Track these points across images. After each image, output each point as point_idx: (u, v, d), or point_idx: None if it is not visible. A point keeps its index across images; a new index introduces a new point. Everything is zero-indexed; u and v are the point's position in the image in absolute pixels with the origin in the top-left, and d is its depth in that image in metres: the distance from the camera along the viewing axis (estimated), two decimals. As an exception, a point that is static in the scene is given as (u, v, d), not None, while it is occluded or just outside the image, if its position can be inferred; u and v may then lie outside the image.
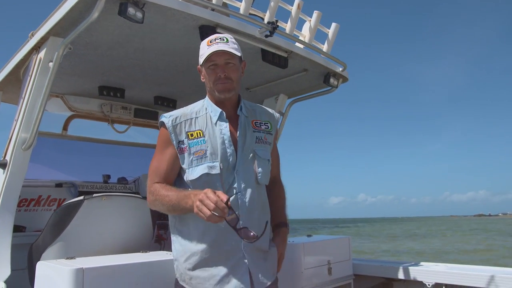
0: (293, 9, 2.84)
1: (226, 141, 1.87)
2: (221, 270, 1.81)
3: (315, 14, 3.02)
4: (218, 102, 1.94)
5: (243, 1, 2.58)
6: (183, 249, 1.88)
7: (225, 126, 1.90)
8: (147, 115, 4.32)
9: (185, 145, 1.86)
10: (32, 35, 2.51)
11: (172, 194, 1.79)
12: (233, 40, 1.92)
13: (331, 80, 3.38)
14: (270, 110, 2.14)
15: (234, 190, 1.85)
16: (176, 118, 1.90)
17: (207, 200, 1.56)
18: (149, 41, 2.70)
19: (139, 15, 2.12)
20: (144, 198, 2.85)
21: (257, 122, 2.01)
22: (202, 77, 1.96)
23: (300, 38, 3.04)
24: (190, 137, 1.86)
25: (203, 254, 1.82)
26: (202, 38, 2.47)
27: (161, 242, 3.84)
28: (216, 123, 1.90)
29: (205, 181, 1.82)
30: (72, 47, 2.38)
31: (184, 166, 1.87)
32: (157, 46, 2.79)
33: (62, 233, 2.50)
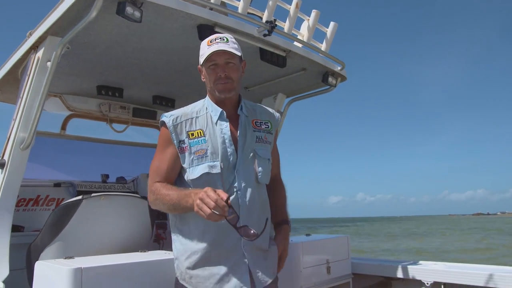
0: (292, 8, 2.84)
1: (226, 141, 1.88)
2: (221, 269, 1.82)
3: (314, 13, 3.02)
4: (218, 102, 1.94)
5: (241, 0, 2.57)
6: (183, 248, 1.89)
7: (225, 126, 1.90)
8: (146, 114, 4.32)
9: (186, 145, 1.87)
10: (30, 34, 2.50)
11: (172, 193, 1.79)
12: (233, 40, 1.93)
13: (330, 79, 3.38)
14: (270, 109, 2.14)
15: (235, 189, 1.86)
16: (177, 117, 1.90)
17: (207, 198, 1.57)
18: (147, 40, 2.70)
19: (137, 14, 2.12)
20: (143, 197, 2.86)
21: (258, 122, 2.02)
22: (202, 77, 1.96)
23: (299, 37, 3.04)
24: (190, 137, 1.87)
25: (204, 253, 1.83)
26: (200, 37, 2.47)
27: (160, 241, 3.84)
28: (216, 123, 1.91)
29: (205, 180, 1.83)
30: (70, 46, 2.38)
31: (184, 165, 1.88)
32: (156, 45, 2.79)
33: (61, 233, 2.50)
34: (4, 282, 2.30)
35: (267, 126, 2.03)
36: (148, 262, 2.08)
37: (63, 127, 4.12)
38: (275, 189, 2.13)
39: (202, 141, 1.86)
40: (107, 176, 4.25)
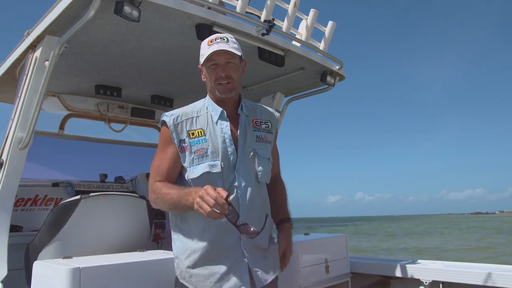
0: (290, 7, 2.85)
1: (227, 140, 1.89)
2: (221, 268, 1.83)
3: (312, 12, 3.02)
4: (219, 101, 1.95)
5: (240, 0, 2.57)
6: (183, 247, 1.89)
7: (226, 125, 1.91)
8: (144, 114, 4.32)
9: (186, 144, 1.88)
10: (28, 34, 2.50)
11: (173, 192, 1.80)
12: (234, 39, 1.93)
13: (328, 78, 3.38)
14: (270, 109, 2.15)
15: (235, 189, 1.87)
16: (178, 117, 1.91)
17: (207, 196, 1.58)
18: (146, 40, 2.70)
19: (135, 13, 2.12)
20: (141, 197, 2.86)
21: (258, 121, 2.03)
22: (203, 76, 1.97)
23: (297, 36, 3.04)
24: (191, 136, 1.88)
25: (203, 252, 1.84)
26: (199, 37, 2.47)
27: (159, 241, 3.84)
28: (217, 122, 1.92)
29: (206, 179, 1.84)
30: (68, 46, 2.38)
31: (185, 164, 1.89)
32: (154, 44, 2.79)
33: (59, 233, 2.49)
34: (2, 282, 2.30)
35: (267, 126, 2.04)
36: (147, 262, 2.07)
37: (61, 127, 4.11)
38: (275, 188, 2.14)
39: (203, 140, 1.87)
40: (105, 175, 4.24)
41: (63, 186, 3.97)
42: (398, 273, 3.42)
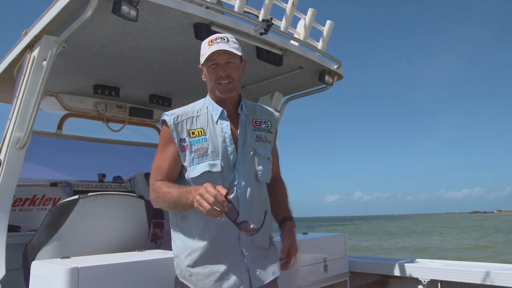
0: (288, 6, 2.84)
1: (227, 140, 1.90)
2: (221, 267, 1.84)
3: (310, 11, 3.02)
4: (219, 101, 1.96)
5: (238, -1, 2.58)
6: (184, 246, 1.90)
7: (226, 125, 1.92)
8: (142, 113, 4.32)
9: (187, 143, 1.88)
10: (26, 33, 2.49)
11: (173, 191, 1.81)
12: (234, 39, 1.94)
13: (326, 77, 3.38)
14: (270, 109, 2.16)
15: (235, 188, 1.87)
16: (178, 116, 1.92)
17: (206, 194, 1.58)
18: (143, 39, 2.69)
19: (133, 13, 2.12)
20: (140, 197, 2.86)
21: (258, 121, 2.03)
22: (203, 76, 1.98)
23: (295, 35, 3.04)
24: (191, 135, 1.89)
25: (203, 251, 1.84)
26: (197, 36, 2.47)
27: (157, 241, 3.84)
28: (217, 122, 1.92)
29: (206, 178, 1.84)
30: (66, 45, 2.37)
31: (185, 164, 1.90)
32: (152, 44, 2.78)
33: (57, 233, 2.49)
34: (0, 282, 2.30)
35: (267, 125, 2.05)
36: (145, 262, 2.07)
37: (59, 127, 4.10)
38: (275, 188, 2.15)
39: (203, 139, 1.88)
40: (103, 175, 4.23)
41: (61, 186, 3.97)
42: (396, 272, 3.43)
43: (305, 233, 3.51)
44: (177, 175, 1.95)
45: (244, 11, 2.63)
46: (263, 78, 3.57)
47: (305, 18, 3.03)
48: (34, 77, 2.41)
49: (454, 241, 31.02)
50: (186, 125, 1.90)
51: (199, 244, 1.85)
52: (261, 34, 2.70)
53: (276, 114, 2.16)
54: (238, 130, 1.94)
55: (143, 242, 2.83)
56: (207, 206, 1.57)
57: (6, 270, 2.34)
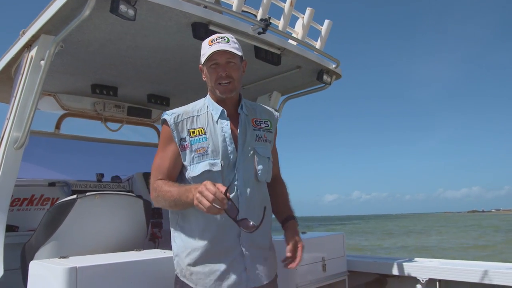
0: (286, 6, 2.84)
1: (227, 139, 1.90)
2: (221, 266, 1.84)
3: (308, 11, 3.02)
4: (219, 101, 1.96)
5: (236, -2, 2.57)
6: (184, 245, 1.90)
7: (226, 124, 1.92)
8: (141, 113, 4.32)
9: (187, 143, 1.89)
10: (23, 33, 2.49)
11: (174, 190, 1.81)
12: (234, 39, 1.94)
13: (324, 77, 3.38)
14: (270, 108, 2.17)
15: (235, 187, 1.88)
16: (178, 115, 1.92)
17: (206, 191, 1.58)
18: (141, 39, 2.69)
19: (131, 12, 2.12)
20: (138, 196, 2.85)
21: (257, 121, 2.04)
22: (203, 76, 1.98)
23: (293, 35, 3.04)
24: (191, 135, 1.89)
25: (204, 250, 1.85)
26: (195, 35, 2.47)
27: (155, 240, 3.84)
28: (217, 121, 1.93)
29: (206, 178, 1.83)
30: (64, 45, 2.37)
31: (185, 163, 1.90)
32: (150, 43, 2.78)
33: (55, 232, 2.49)
34: (-2, 282, 2.30)
35: (266, 125, 2.06)
36: (144, 261, 2.07)
37: (58, 126, 4.10)
38: (276, 188, 2.15)
39: (203, 139, 1.89)
40: (102, 175, 4.23)
41: (59, 186, 3.97)
42: (395, 271, 3.43)
43: (303, 232, 3.50)
44: (177, 174, 1.95)
45: (242, 11, 2.63)
46: (261, 77, 3.57)
47: (303, 17, 3.03)
48: (32, 77, 2.41)
49: (453, 240, 31.06)
50: (187, 125, 1.91)
51: (200, 243, 1.86)
52: (259, 33, 2.70)
53: (276, 114, 2.16)
54: (238, 130, 1.95)
55: (142, 242, 2.83)
56: (207, 203, 1.57)
57: (4, 270, 2.34)
